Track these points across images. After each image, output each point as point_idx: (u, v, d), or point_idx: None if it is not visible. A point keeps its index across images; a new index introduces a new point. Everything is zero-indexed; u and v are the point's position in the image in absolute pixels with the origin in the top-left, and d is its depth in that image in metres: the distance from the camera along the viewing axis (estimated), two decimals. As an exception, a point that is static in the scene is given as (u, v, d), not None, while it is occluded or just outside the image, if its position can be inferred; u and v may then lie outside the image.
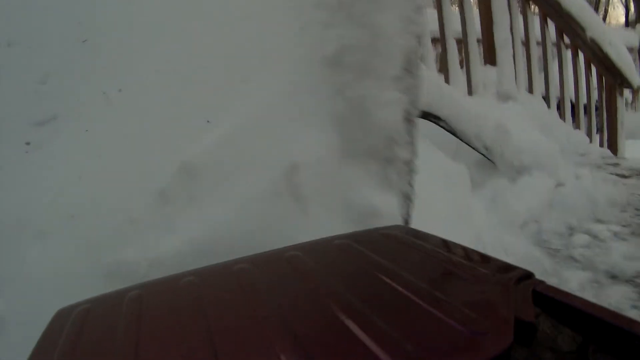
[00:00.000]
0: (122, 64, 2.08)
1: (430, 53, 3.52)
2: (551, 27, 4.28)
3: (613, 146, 4.60)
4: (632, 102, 6.38)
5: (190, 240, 1.59)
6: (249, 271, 0.98)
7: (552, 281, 0.97)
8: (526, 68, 4.11)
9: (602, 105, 4.59)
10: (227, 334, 0.76)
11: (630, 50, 6.86)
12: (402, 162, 1.79)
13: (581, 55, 4.35)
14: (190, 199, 1.73)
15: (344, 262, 1.02)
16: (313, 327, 0.77)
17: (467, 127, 2.76)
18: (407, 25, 1.69)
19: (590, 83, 4.49)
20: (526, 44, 4.19)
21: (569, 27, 4.21)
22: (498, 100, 3.63)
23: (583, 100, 4.47)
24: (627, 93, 5.93)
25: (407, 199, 1.79)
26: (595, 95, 4.56)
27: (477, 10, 4.02)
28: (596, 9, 13.09)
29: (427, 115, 2.65)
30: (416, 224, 1.84)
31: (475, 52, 3.72)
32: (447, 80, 3.54)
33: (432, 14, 3.71)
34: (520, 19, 4.13)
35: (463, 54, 3.84)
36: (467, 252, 1.05)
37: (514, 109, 3.46)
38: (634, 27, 8.51)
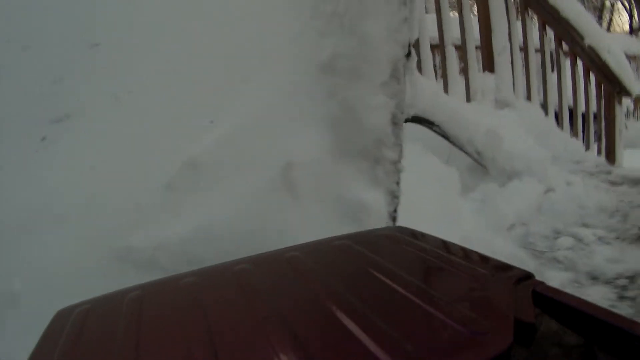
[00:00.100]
0: (129, 66, 2.19)
1: (429, 59, 3.62)
2: (550, 34, 4.32)
3: (611, 155, 4.63)
4: (634, 111, 6.41)
5: (193, 227, 1.72)
6: (249, 272, 0.98)
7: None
8: (524, 75, 4.18)
9: (600, 114, 4.63)
10: (227, 334, 0.76)
11: (633, 57, 6.90)
12: (389, 162, 1.90)
13: (580, 63, 4.39)
14: (194, 192, 1.85)
15: (344, 263, 1.02)
16: (313, 327, 0.77)
17: (460, 132, 2.86)
18: (394, 35, 1.81)
19: (589, 91, 4.53)
20: (524, 51, 4.25)
21: (567, 34, 4.25)
22: (495, 107, 3.72)
23: (581, 108, 4.52)
24: (628, 102, 5.98)
25: (394, 196, 1.90)
26: (594, 103, 4.60)
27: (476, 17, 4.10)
28: (600, 16, 13.09)
29: (421, 120, 2.75)
30: (405, 224, 1.94)
31: (474, 59, 3.80)
32: (445, 87, 3.64)
33: (432, 18, 3.80)
34: (519, 26, 4.19)
35: (462, 61, 3.93)
36: (467, 253, 1.04)
37: (509, 116, 3.54)
38: (637, 34, 8.50)
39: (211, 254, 1.66)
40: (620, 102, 4.66)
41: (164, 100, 2.05)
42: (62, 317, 0.90)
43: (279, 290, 0.91)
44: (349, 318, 0.73)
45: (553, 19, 4.18)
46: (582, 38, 4.20)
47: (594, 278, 2.25)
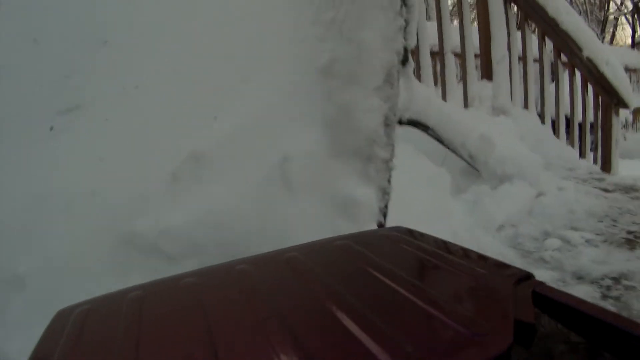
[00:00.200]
0: (129, 66, 2.28)
1: (429, 66, 3.72)
2: (549, 45, 4.42)
3: (607, 164, 4.69)
4: (633, 122, 6.47)
5: (196, 215, 1.81)
6: (249, 272, 0.99)
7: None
8: (522, 84, 4.27)
9: (597, 124, 4.70)
10: (227, 334, 0.76)
11: (634, 70, 6.97)
12: (381, 160, 2.00)
13: (578, 74, 4.47)
14: (197, 183, 1.94)
15: (344, 263, 1.03)
16: (313, 327, 0.77)
17: (454, 136, 2.96)
18: (389, 43, 1.92)
19: (586, 101, 4.61)
20: (523, 60, 4.33)
21: (566, 46, 4.34)
22: (492, 114, 3.81)
23: (578, 118, 4.60)
24: (627, 114, 6.04)
25: (385, 192, 2.00)
26: (591, 113, 4.68)
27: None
28: (603, 30, 13.17)
29: (416, 124, 2.86)
30: (396, 221, 2.03)
31: (472, 66, 3.90)
32: (444, 93, 3.74)
33: (433, 26, 3.90)
34: (518, 36, 4.29)
35: (461, 69, 4.03)
36: (467, 253, 1.04)
37: (505, 122, 3.64)
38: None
39: (212, 241, 1.77)
40: (617, 114, 4.73)
41: (164, 100, 2.13)
42: (62, 317, 0.90)
43: (279, 291, 0.92)
44: (349, 318, 0.73)
45: (552, 31, 4.27)
46: (580, 50, 4.28)
47: (580, 278, 2.32)
